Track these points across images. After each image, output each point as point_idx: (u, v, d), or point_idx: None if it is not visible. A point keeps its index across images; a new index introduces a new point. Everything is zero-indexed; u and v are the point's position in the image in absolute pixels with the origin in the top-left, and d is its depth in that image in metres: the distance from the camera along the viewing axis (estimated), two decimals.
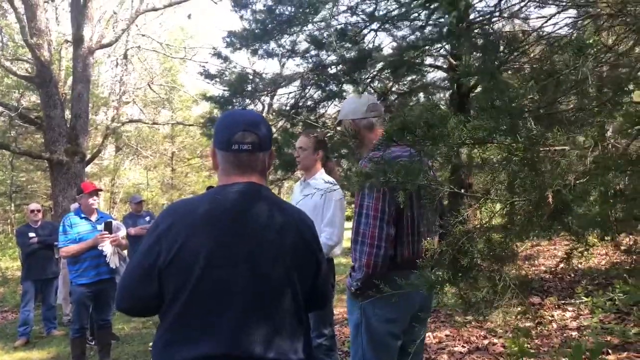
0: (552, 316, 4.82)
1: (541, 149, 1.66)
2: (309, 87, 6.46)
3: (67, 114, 10.98)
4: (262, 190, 1.56)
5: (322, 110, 6.75)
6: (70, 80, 11.88)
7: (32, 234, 6.93)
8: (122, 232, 5.24)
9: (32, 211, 7.15)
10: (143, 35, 15.95)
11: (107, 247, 4.84)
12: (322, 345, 3.33)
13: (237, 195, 1.50)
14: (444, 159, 2.02)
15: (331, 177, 3.58)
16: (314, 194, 3.30)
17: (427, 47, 5.77)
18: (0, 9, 14.23)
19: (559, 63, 2.00)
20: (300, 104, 6.63)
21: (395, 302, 2.20)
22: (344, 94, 5.86)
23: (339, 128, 2.72)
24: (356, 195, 2.27)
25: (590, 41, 1.70)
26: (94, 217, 4.99)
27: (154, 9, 12.98)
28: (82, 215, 4.95)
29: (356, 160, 2.28)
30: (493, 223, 1.99)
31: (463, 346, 4.37)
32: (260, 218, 1.50)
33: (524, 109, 1.72)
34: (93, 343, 5.71)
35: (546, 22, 5.53)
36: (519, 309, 4.33)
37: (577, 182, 1.65)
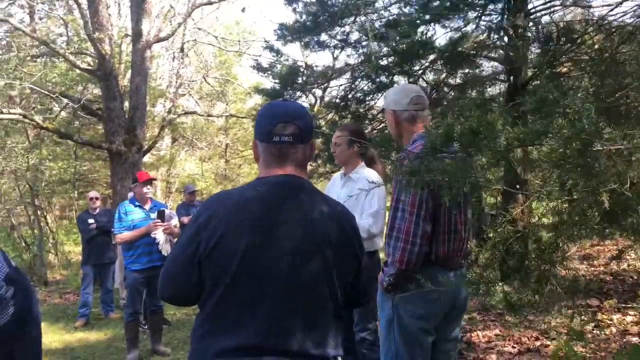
0: (611, 320, 4.58)
1: (597, 148, 1.55)
2: (359, 79, 6.40)
3: (126, 105, 11.37)
4: (302, 183, 1.54)
5: (371, 102, 6.67)
6: (129, 73, 12.29)
7: (91, 221, 7.24)
8: (175, 221, 5.39)
9: (91, 199, 7.47)
10: (199, 29, 16.28)
11: (159, 235, 4.99)
12: (366, 339, 3.30)
13: (276, 187, 1.50)
14: (492, 161, 1.94)
15: (373, 168, 3.51)
16: (359, 193, 3.25)
17: (482, 39, 5.60)
18: (66, 5, 14.92)
19: (624, 54, 1.87)
20: (350, 96, 6.59)
21: (427, 299, 2.15)
22: (395, 85, 5.77)
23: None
24: (393, 189, 2.22)
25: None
26: (147, 206, 5.15)
27: (210, 3, 13.19)
28: (137, 204, 5.11)
29: (397, 152, 2.23)
30: (544, 222, 1.89)
31: (513, 347, 4.23)
32: (299, 210, 1.48)
33: (580, 103, 1.61)
34: (146, 327, 5.91)
35: (611, 10, 5.25)
36: (569, 311, 4.15)
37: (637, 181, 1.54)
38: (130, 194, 5.97)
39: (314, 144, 1.63)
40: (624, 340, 4.06)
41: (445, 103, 6.16)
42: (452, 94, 6.59)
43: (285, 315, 1.41)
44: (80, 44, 12.79)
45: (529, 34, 5.07)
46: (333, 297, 1.49)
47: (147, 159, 17.38)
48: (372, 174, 3.36)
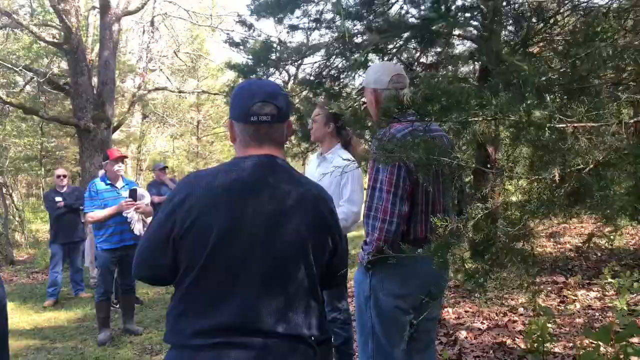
0: (576, 296, 4.74)
1: (558, 126, 1.57)
2: (333, 57, 6.35)
3: (95, 80, 11.06)
4: (280, 163, 1.53)
5: (346, 80, 6.63)
6: (97, 47, 11.93)
7: (58, 199, 7.08)
8: (147, 200, 5.31)
9: (59, 177, 7.29)
10: (170, 2, 15.86)
11: (132, 214, 4.92)
12: (337, 319, 3.31)
13: (253, 168, 1.48)
14: (456, 132, 1.94)
15: (350, 150, 3.48)
16: (332, 172, 3.21)
17: (456, 17, 5.59)
18: None
19: (597, 34, 1.88)
20: (325, 73, 6.53)
21: (405, 278, 2.17)
22: (369, 63, 5.73)
23: (363, 99, 2.63)
24: (370, 169, 2.21)
25: (598, 29, 1.59)
26: (119, 184, 5.07)
27: None
28: (108, 182, 5.02)
29: (375, 131, 2.21)
30: (513, 201, 1.92)
31: (482, 322, 4.34)
32: (276, 191, 1.47)
33: (547, 83, 1.62)
34: (117, 306, 5.86)
35: None
36: (535, 288, 4.26)
37: (602, 161, 1.57)
38: (101, 172, 5.86)
39: (290, 123, 1.61)
40: (588, 315, 4.20)
41: (417, 82, 6.16)
42: (424, 73, 6.59)
43: (261, 296, 1.41)
44: (45, 16, 12.33)
45: (502, 13, 5.08)
46: (309, 278, 1.49)
47: (116, 136, 17.02)
48: (347, 156, 3.31)
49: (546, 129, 1.47)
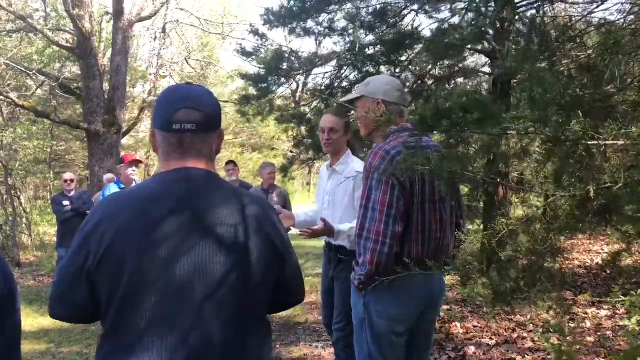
0: (586, 313, 4.68)
1: (590, 142, 1.56)
2: (345, 67, 6.36)
3: (106, 85, 11.14)
4: (207, 177, 1.34)
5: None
6: (109, 52, 12.03)
7: (65, 202, 7.09)
8: None
9: (66, 181, 7.30)
10: (182, 9, 16.00)
11: None
12: (340, 340, 3.14)
13: (175, 184, 1.30)
14: (485, 148, 1.92)
15: (358, 156, 3.35)
16: (342, 182, 3.03)
17: (469, 31, 5.59)
18: None
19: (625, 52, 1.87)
20: (335, 84, 6.54)
21: (398, 300, 2.12)
22: (379, 75, 5.74)
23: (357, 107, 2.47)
24: (363, 187, 2.12)
25: (612, 42, 1.59)
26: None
27: None
28: (121, 186, 5.06)
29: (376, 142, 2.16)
30: (534, 217, 1.90)
31: (491, 338, 4.29)
32: (206, 209, 1.28)
33: (576, 100, 1.61)
34: None
35: (597, 7, 5.26)
36: (549, 303, 4.21)
37: (629, 179, 1.55)
38: (107, 176, 5.89)
39: (222, 133, 1.43)
40: (599, 334, 4.15)
41: (430, 93, 6.16)
42: (435, 85, 6.59)
43: (194, 330, 1.22)
44: (59, 20, 12.44)
45: (518, 28, 5.07)
46: (251, 303, 1.32)
47: (125, 140, 17.11)
48: (358, 163, 3.10)
49: (579, 145, 1.46)
